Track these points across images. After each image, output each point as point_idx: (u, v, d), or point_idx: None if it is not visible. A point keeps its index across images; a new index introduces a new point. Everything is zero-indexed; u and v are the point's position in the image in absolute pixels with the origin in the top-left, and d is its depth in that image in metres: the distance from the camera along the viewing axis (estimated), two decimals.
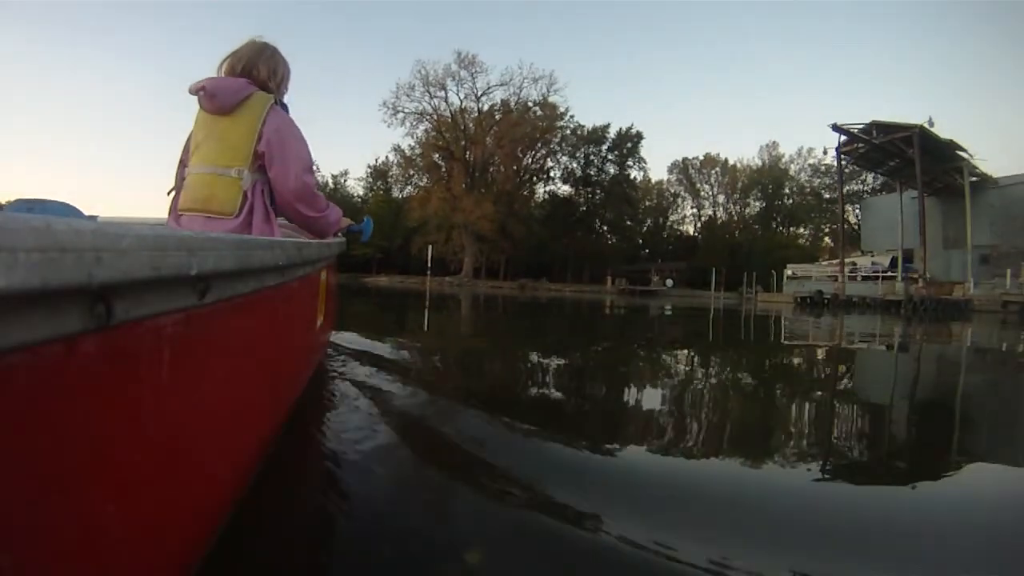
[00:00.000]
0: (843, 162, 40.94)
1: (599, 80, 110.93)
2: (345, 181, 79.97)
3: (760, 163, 74.03)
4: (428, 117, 63.89)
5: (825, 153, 40.12)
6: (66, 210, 3.44)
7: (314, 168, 2.57)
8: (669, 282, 56.54)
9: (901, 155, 37.43)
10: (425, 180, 68.41)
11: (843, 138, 37.41)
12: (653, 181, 78.18)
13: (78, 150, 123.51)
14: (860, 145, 37.78)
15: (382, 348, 5.34)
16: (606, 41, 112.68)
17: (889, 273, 39.22)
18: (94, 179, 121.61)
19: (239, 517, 1.32)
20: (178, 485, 0.91)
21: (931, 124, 33.75)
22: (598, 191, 72.43)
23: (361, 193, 78.74)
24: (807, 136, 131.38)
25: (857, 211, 64.74)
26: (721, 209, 76.24)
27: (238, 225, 2.24)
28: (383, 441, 2.30)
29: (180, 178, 2.44)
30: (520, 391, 4.07)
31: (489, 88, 64.02)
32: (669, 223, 80.00)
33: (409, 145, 68.30)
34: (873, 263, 41.05)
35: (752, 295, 46.38)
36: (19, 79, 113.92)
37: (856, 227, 61.81)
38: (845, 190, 64.92)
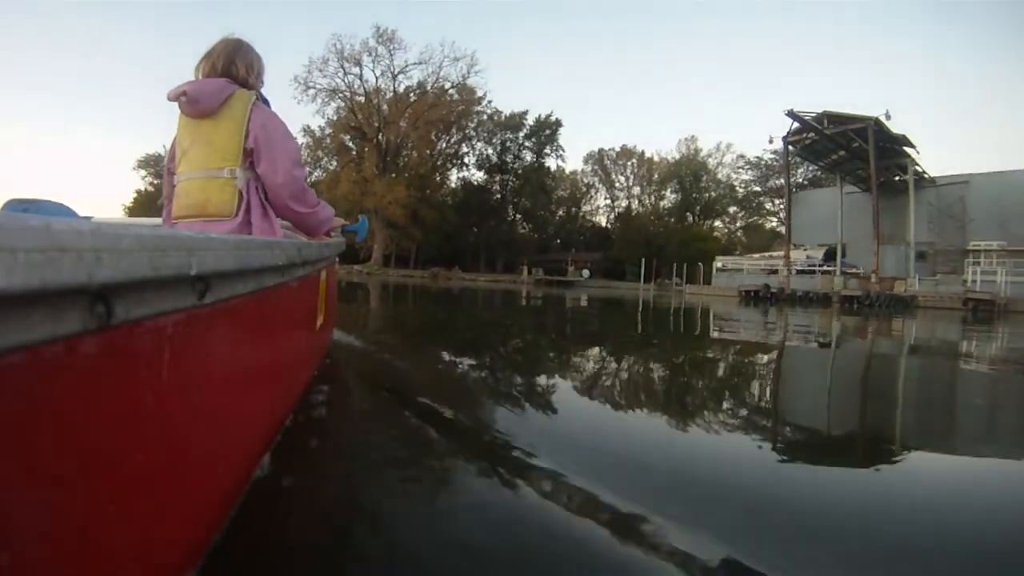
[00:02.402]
0: (778, 154, 38.60)
1: (519, 69, 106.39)
2: None
3: (678, 156, 71.96)
4: (341, 95, 58.58)
5: (771, 142, 37.93)
6: (61, 210, 3.33)
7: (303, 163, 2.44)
8: (585, 272, 54.96)
9: (847, 147, 36.04)
10: (334, 163, 63.00)
11: (795, 125, 35.03)
12: (567, 171, 75.53)
13: (68, 147, 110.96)
14: (808, 135, 35.55)
15: None
16: (529, 31, 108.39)
17: (825, 267, 37.95)
18: (82, 178, 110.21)
19: (239, 517, 1.29)
20: (178, 485, 0.90)
21: (888, 117, 31.44)
22: (513, 179, 69.06)
23: (163, 185, 70.10)
24: (726, 132, 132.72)
25: (780, 204, 63.17)
26: (636, 201, 73.82)
27: (237, 225, 2.16)
28: (385, 440, 2.25)
29: (170, 186, 2.36)
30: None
31: (407, 66, 59.23)
32: (582, 214, 77.31)
33: (319, 126, 62.68)
34: (808, 257, 39.52)
35: (676, 286, 44.31)
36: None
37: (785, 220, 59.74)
38: (771, 184, 65.01)
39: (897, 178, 38.04)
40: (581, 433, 2.66)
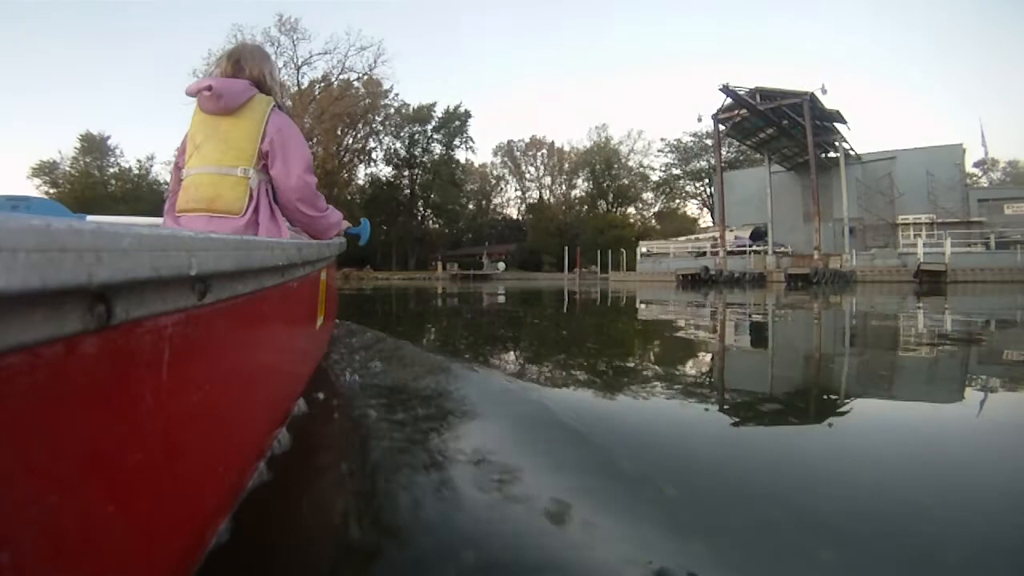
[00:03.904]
0: (700, 135, 37.15)
1: (426, 60, 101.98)
2: (152, 166, 63.48)
3: (589, 144, 69.45)
4: None
5: (699, 120, 35.73)
6: (52, 207, 3.68)
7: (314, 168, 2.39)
8: (501, 265, 53.38)
9: (778, 125, 33.99)
10: None
11: (727, 102, 32.53)
12: (476, 165, 72.27)
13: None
14: (739, 112, 33.05)
15: None
16: (435, 19, 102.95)
17: (755, 247, 36.48)
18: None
19: (239, 517, 1.25)
20: (178, 485, 0.88)
21: (824, 91, 29.69)
22: (423, 172, 64.90)
23: (169, 179, 62.20)
24: (638, 119, 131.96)
25: (700, 187, 63.60)
26: (548, 191, 71.38)
27: (244, 224, 2.13)
28: (384, 440, 2.09)
29: (176, 181, 2.34)
30: None
31: (311, 57, 54.29)
32: (492, 206, 74.40)
33: None
34: (737, 237, 37.73)
35: (598, 275, 42.71)
36: None
37: (708, 202, 58.98)
38: (690, 167, 63.70)
39: (824, 155, 36.63)
40: None
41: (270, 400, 1.57)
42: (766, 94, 31.42)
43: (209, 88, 2.11)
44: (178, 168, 2.33)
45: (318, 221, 2.43)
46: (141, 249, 0.61)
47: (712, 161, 58.70)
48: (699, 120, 35.26)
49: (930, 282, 24.36)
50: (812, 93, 29.85)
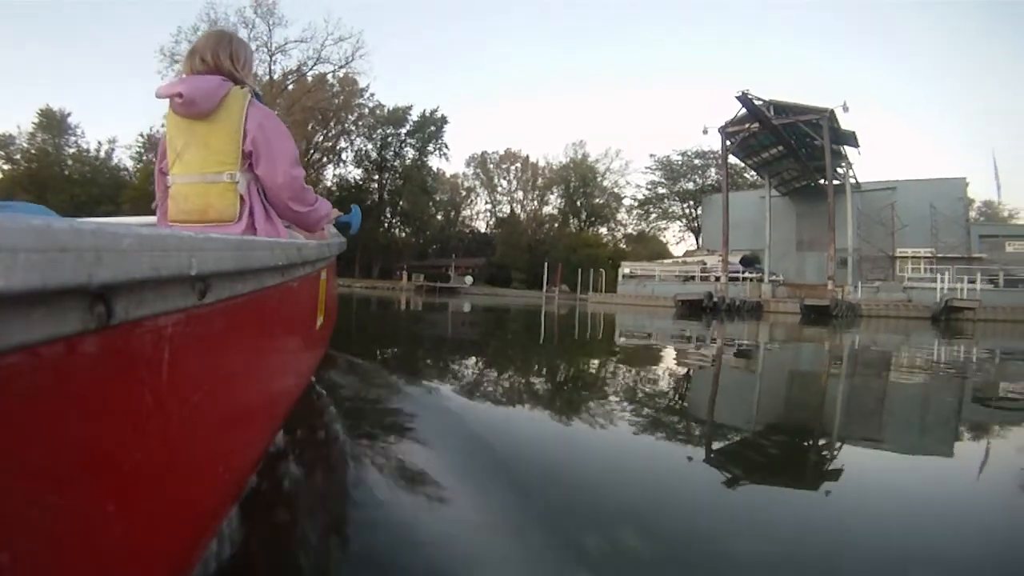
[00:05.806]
0: (688, 155, 34.68)
1: (404, 62, 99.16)
2: (113, 150, 58.38)
3: (565, 160, 66.42)
4: None
5: (705, 132, 33.07)
6: (37, 211, 2.74)
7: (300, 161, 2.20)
8: (468, 279, 50.51)
9: (786, 144, 31.38)
10: None
11: (741, 113, 29.91)
12: (448, 174, 68.90)
13: None
14: (748, 127, 30.43)
15: None
16: (417, 23, 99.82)
17: (747, 274, 34.09)
18: None
19: (240, 517, 1.27)
20: (178, 485, 0.87)
21: (845, 109, 26.99)
22: (393, 177, 61.17)
23: (130, 165, 57.56)
24: (615, 139, 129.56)
25: (686, 208, 61.49)
26: (519, 206, 68.23)
27: (241, 231, 1.98)
28: (384, 440, 2.17)
29: (163, 188, 2.18)
30: None
31: (286, 44, 49.93)
32: (461, 218, 70.95)
33: None
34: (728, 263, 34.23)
35: (567, 293, 41.01)
36: None
37: (693, 224, 57.16)
38: (677, 188, 60.80)
39: (823, 181, 34.18)
40: None
41: (270, 400, 1.54)
42: (781, 108, 28.74)
43: (180, 95, 1.91)
44: (162, 174, 2.15)
45: (309, 215, 2.23)
46: (141, 249, 0.60)
47: (699, 182, 56.94)
48: (705, 132, 32.38)
49: (948, 319, 22.05)
50: (832, 110, 27.28)
